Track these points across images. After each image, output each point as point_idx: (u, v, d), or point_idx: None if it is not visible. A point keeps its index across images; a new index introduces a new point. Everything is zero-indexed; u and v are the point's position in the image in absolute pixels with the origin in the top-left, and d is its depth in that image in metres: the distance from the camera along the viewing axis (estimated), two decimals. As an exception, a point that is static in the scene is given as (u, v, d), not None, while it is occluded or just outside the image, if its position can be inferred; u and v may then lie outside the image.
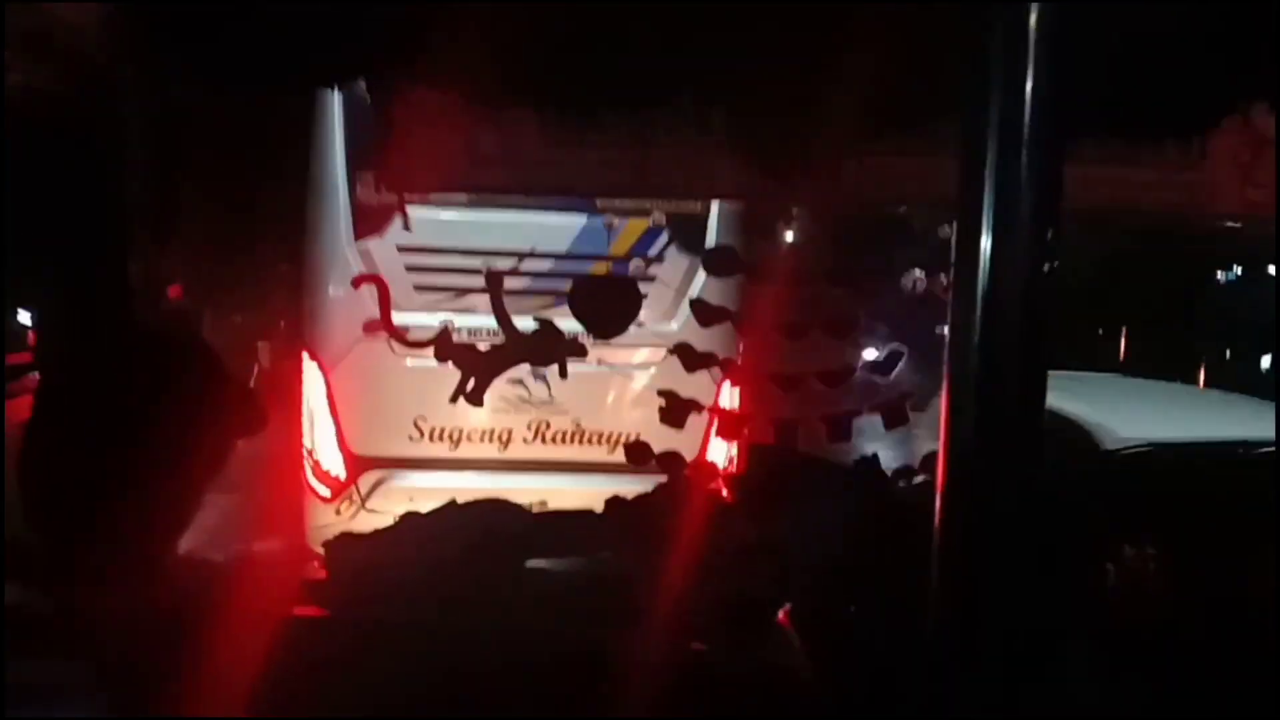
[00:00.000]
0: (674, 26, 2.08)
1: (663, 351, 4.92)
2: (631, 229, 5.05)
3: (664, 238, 5.04)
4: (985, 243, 1.22)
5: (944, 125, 2.13)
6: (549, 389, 4.93)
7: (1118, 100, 2.05)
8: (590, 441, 5.07)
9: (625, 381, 5.05)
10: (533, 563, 2.33)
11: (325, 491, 4.91)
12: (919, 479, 2.55)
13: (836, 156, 2.32)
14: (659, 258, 5.07)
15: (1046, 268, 1.22)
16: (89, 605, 1.83)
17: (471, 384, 2.63)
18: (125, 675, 1.81)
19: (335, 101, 4.70)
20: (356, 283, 4.79)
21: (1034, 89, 1.20)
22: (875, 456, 2.51)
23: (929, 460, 2.48)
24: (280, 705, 1.82)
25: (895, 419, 2.65)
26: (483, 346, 2.64)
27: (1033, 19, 1.19)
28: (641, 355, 4.95)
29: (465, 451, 5.01)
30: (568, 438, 5.06)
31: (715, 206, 5.20)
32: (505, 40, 2.06)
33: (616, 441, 5.03)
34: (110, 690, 1.78)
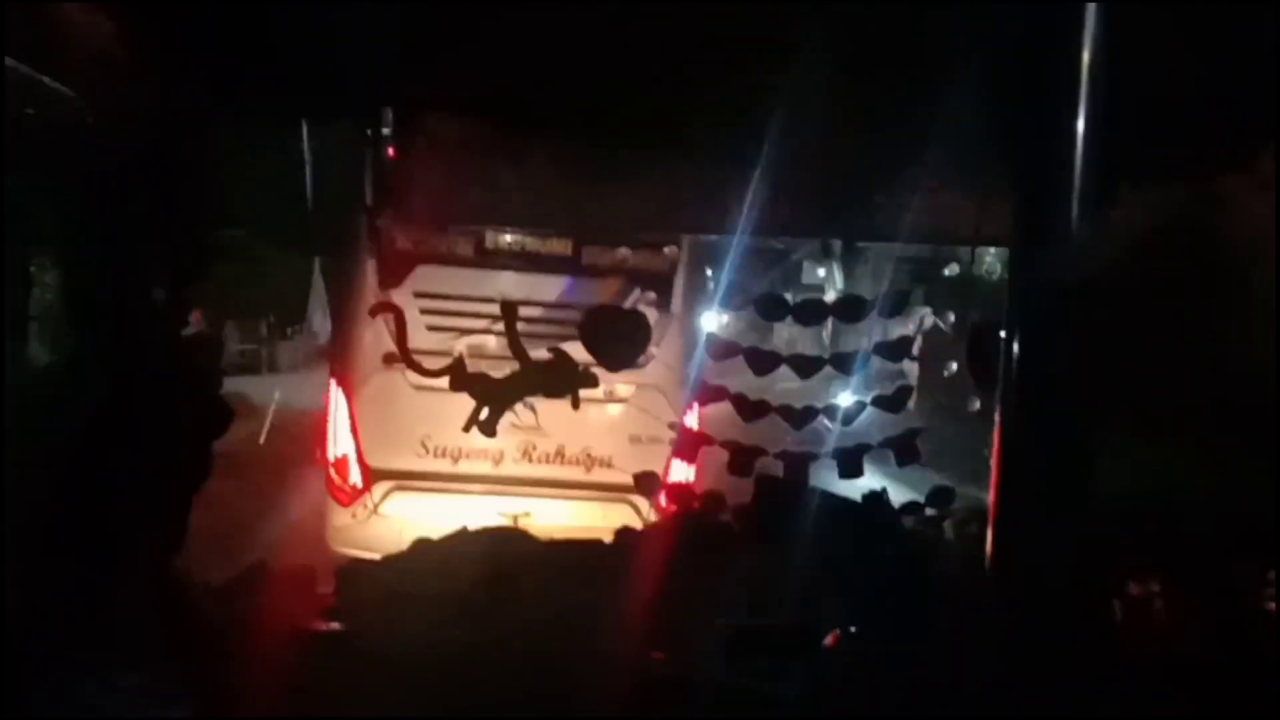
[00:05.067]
0: (697, 63, 2.03)
1: (634, 387, 5.82)
2: (611, 283, 5.97)
3: (635, 292, 5.95)
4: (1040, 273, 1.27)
5: (951, 164, 2.17)
6: (536, 416, 5.79)
7: (1137, 141, 1.93)
8: (570, 462, 5.93)
9: (601, 411, 5.92)
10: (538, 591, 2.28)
11: (344, 497, 5.75)
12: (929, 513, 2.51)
13: (875, 191, 2.29)
14: (634, 308, 5.98)
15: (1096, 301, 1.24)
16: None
17: (485, 414, 2.60)
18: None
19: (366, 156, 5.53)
20: (373, 311, 5.61)
21: (1085, 132, 1.24)
22: (884, 490, 2.44)
23: (935, 495, 2.54)
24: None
25: (906, 454, 2.56)
26: (488, 368, 2.58)
27: (1085, 61, 1.23)
28: (616, 389, 5.82)
29: (463, 467, 5.82)
30: (551, 458, 5.90)
31: (681, 265, 6.13)
32: (526, 75, 2.05)
33: (593, 463, 5.90)
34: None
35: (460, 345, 5.40)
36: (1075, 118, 1.25)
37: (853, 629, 2.04)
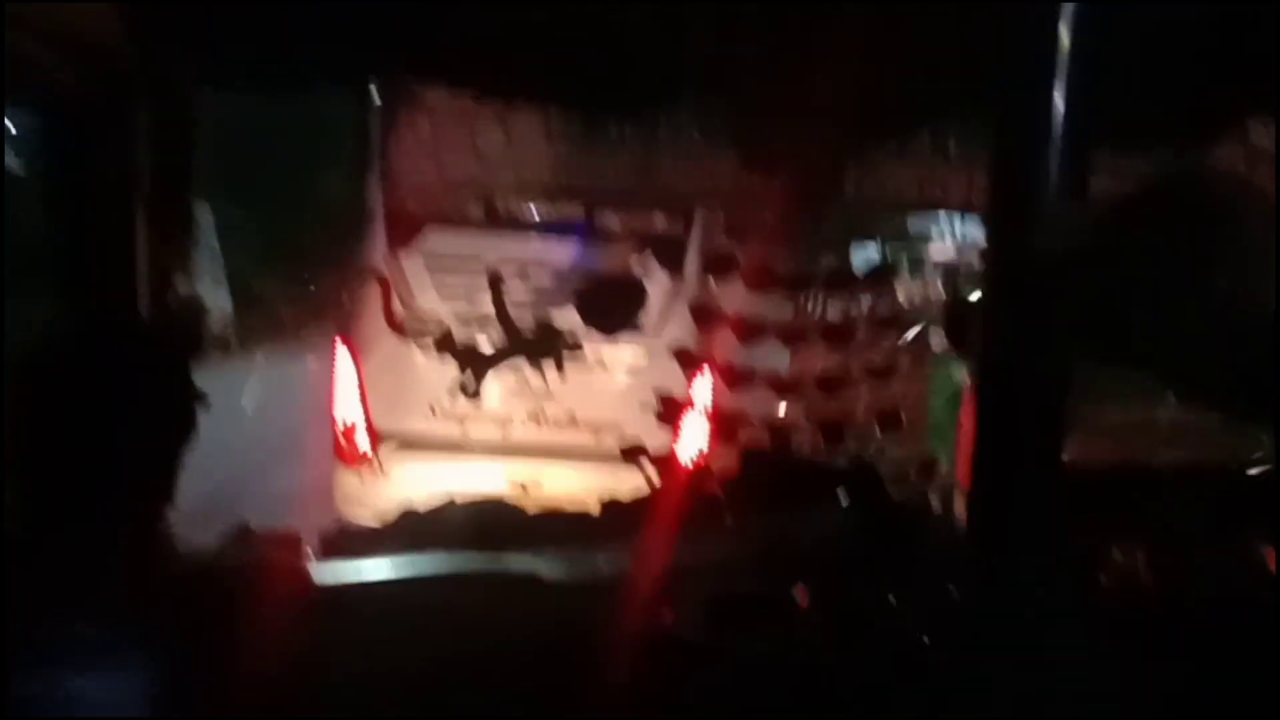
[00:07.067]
0: (675, 28, 2.00)
1: (646, 353, 5.74)
2: (624, 247, 5.86)
3: (649, 256, 5.83)
4: (1015, 236, 1.24)
5: (943, 130, 2.26)
6: (545, 381, 5.73)
7: (1121, 109, 1.94)
8: (580, 429, 5.86)
9: (613, 377, 5.84)
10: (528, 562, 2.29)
11: (352, 461, 5.72)
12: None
13: (837, 159, 2.30)
14: (646, 275, 5.88)
15: (1073, 261, 1.22)
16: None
17: (468, 376, 2.78)
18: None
19: (372, 116, 5.45)
20: (358, 275, 5.55)
21: (1065, 93, 1.20)
22: (870, 459, 2.57)
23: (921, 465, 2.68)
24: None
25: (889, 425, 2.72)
26: (483, 338, 2.71)
27: (1064, 27, 1.19)
28: (628, 355, 5.74)
29: (472, 432, 5.79)
30: (561, 424, 5.84)
31: (696, 229, 6.01)
32: (511, 41, 2.05)
33: (603, 429, 5.83)
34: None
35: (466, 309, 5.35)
36: (1053, 80, 1.21)
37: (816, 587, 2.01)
